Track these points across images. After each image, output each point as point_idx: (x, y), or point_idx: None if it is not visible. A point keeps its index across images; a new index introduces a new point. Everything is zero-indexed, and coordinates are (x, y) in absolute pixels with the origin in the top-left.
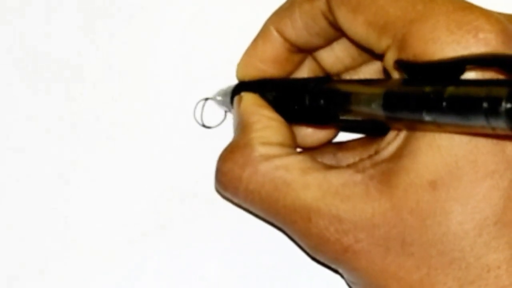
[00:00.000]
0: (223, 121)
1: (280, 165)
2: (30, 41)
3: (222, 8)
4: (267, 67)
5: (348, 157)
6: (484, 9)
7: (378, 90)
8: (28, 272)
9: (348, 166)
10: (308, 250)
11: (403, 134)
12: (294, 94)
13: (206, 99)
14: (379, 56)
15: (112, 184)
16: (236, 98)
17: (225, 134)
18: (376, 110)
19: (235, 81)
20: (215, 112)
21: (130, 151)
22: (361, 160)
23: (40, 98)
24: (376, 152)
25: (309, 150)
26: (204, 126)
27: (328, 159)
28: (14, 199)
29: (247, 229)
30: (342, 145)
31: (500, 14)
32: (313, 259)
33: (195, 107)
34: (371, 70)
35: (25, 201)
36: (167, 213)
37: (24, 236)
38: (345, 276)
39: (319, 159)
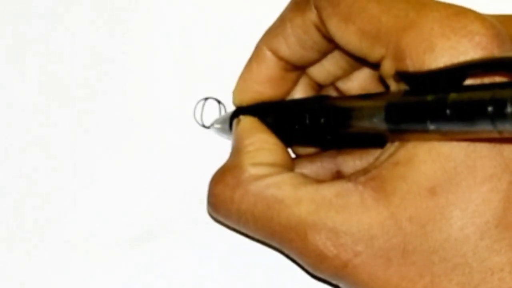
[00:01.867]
0: None
1: (271, 183)
2: (30, 43)
3: (222, 8)
4: (263, 89)
5: (348, 160)
6: (477, 13)
7: (379, 103)
8: (27, 271)
9: (341, 178)
10: (307, 268)
11: (396, 142)
12: (294, 115)
13: (206, 99)
14: (373, 65)
15: (111, 184)
16: (234, 121)
17: None
18: (378, 123)
19: (234, 81)
20: (215, 112)
21: (130, 151)
22: (354, 172)
23: (39, 96)
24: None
25: (308, 156)
26: (204, 126)
27: (327, 163)
28: (13, 199)
29: (246, 237)
30: (341, 149)
31: (491, 16)
32: (314, 276)
33: (195, 107)
34: (364, 75)
35: (24, 200)
36: (165, 213)
37: (22, 235)
38: None
39: (319, 164)
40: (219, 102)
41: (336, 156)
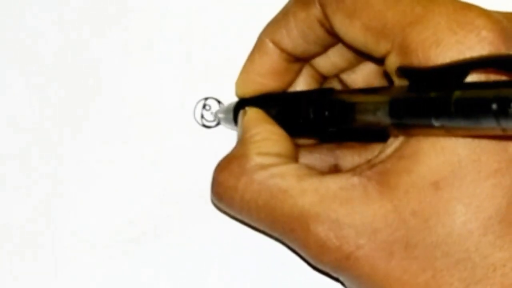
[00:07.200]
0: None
1: (276, 173)
2: (31, 39)
3: (222, 8)
4: (266, 80)
5: (346, 155)
6: (482, 8)
7: (383, 98)
8: (24, 271)
9: (345, 171)
10: (308, 260)
11: (401, 136)
12: (298, 108)
13: (206, 99)
14: (377, 60)
15: (110, 183)
16: (241, 113)
17: (225, 134)
18: (382, 118)
19: (234, 81)
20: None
21: (130, 151)
22: (359, 165)
23: (39, 97)
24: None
25: (307, 147)
26: (204, 126)
27: (326, 155)
28: (11, 199)
29: (247, 232)
30: (341, 142)
31: (497, 12)
32: (314, 268)
33: (195, 107)
34: (368, 69)
35: (22, 200)
36: (166, 213)
37: (21, 235)
38: (346, 284)
39: (317, 155)
40: (219, 102)
41: (335, 150)
